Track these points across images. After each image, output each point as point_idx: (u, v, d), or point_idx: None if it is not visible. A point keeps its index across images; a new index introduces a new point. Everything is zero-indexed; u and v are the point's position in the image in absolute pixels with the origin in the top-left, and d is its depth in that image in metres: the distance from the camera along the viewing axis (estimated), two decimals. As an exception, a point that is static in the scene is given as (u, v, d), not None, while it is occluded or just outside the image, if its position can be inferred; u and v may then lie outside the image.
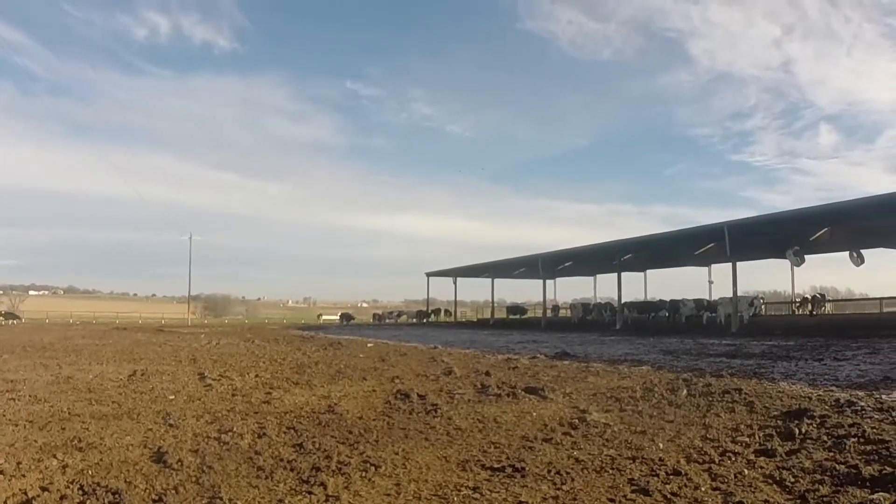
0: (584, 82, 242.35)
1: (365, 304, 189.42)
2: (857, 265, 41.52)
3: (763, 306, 50.14)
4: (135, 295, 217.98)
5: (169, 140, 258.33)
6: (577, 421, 9.43)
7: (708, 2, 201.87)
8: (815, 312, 45.45)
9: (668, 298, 52.97)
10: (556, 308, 71.79)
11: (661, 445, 7.80)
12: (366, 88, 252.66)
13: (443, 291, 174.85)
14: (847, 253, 41.66)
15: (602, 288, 72.82)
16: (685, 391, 12.00)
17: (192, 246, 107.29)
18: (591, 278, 70.80)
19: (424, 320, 78.55)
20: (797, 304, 49.49)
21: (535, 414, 10.20)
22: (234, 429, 8.93)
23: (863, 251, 41.27)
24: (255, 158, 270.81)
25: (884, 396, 10.88)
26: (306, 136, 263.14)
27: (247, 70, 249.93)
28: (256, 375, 16.53)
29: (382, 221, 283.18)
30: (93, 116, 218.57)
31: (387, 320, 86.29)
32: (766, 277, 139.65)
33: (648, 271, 62.98)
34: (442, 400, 11.70)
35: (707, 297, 51.95)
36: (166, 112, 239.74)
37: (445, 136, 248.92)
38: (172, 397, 12.36)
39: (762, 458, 7.12)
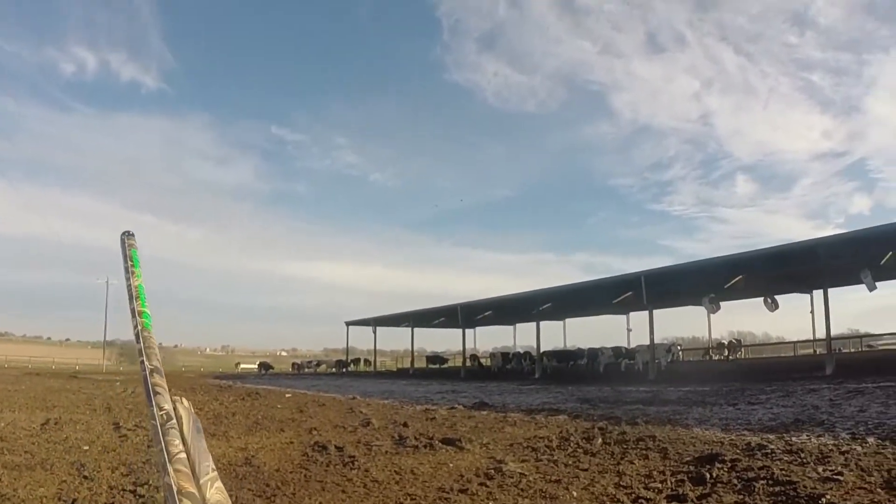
0: (508, 133, 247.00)
1: (284, 353, 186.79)
2: (772, 310, 42.83)
3: (680, 353, 51.28)
4: (48, 339, 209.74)
5: (89, 179, 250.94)
6: (493, 471, 9.48)
7: (631, 56, 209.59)
8: (731, 357, 46.69)
9: (586, 347, 53.67)
10: (475, 357, 72.02)
11: (574, 494, 7.90)
12: (291, 134, 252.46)
13: (362, 340, 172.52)
14: (762, 299, 43.00)
15: (522, 337, 73.23)
16: (600, 439, 12.17)
17: (108, 290, 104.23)
18: (511, 327, 71.39)
19: (344, 370, 77.97)
20: (713, 350, 50.80)
21: (451, 465, 10.22)
22: (150, 481, 8.74)
23: (777, 297, 42.66)
24: (176, 201, 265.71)
25: (794, 438, 11.26)
26: (229, 180, 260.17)
27: (173, 111, 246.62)
28: (173, 426, 16.14)
29: (303, 269, 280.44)
30: (10, 151, 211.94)
31: (306, 369, 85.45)
32: (684, 324, 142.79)
33: (568, 320, 63.82)
34: (359, 451, 11.63)
35: (625, 345, 52.80)
36: (89, 150, 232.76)
37: (369, 184, 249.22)
38: (87, 447, 12.01)
39: (674, 504, 7.28)
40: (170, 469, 0.78)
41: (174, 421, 0.83)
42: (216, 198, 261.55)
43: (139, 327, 1.04)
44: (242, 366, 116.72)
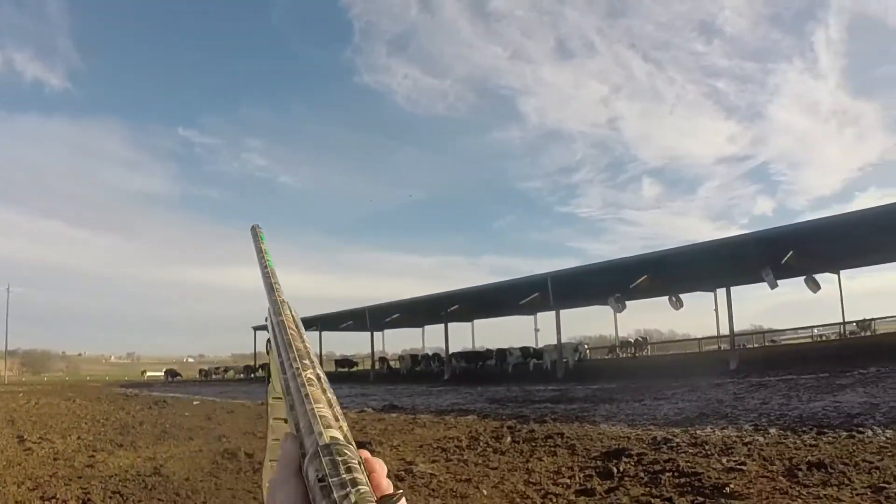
0: (419, 136, 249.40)
1: (191, 360, 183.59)
2: (677, 309, 43.83)
3: (588, 351, 52.02)
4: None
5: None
6: (403, 473, 9.44)
7: (541, 62, 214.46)
8: (637, 355, 47.64)
9: (495, 347, 53.99)
10: (384, 360, 71.77)
11: (485, 492, 7.91)
12: (201, 137, 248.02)
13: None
14: (667, 297, 43.98)
15: (431, 339, 73.30)
16: (509, 438, 12.23)
17: (9, 298, 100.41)
18: (420, 329, 71.36)
19: (252, 375, 76.73)
20: (619, 348, 51.80)
21: None
22: (58, 495, 8.49)
23: (681, 295, 43.69)
24: (83, 207, 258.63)
25: (698, 432, 11.51)
26: (138, 184, 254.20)
27: (79, 113, 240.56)
28: (79, 437, 15.77)
29: (211, 274, 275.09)
30: None
31: (213, 376, 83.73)
32: (592, 323, 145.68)
33: (476, 321, 64.14)
34: None
35: (534, 345, 53.31)
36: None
37: (279, 187, 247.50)
38: (-10, 462, 11.58)
39: (582, 498, 7.35)
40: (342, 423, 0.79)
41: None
42: (124, 202, 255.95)
43: (291, 313, 1.04)
44: (149, 374, 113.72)
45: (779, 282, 33.99)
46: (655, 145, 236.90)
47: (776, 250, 31.05)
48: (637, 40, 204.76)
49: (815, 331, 48.88)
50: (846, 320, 41.81)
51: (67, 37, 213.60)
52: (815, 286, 36.39)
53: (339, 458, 0.75)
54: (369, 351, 67.83)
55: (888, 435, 10.01)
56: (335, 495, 0.70)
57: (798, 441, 10.03)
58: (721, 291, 39.24)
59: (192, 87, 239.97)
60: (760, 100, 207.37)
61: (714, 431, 11.63)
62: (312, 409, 0.85)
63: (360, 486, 0.71)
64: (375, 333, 65.75)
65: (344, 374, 68.73)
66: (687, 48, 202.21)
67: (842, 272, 39.43)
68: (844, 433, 10.42)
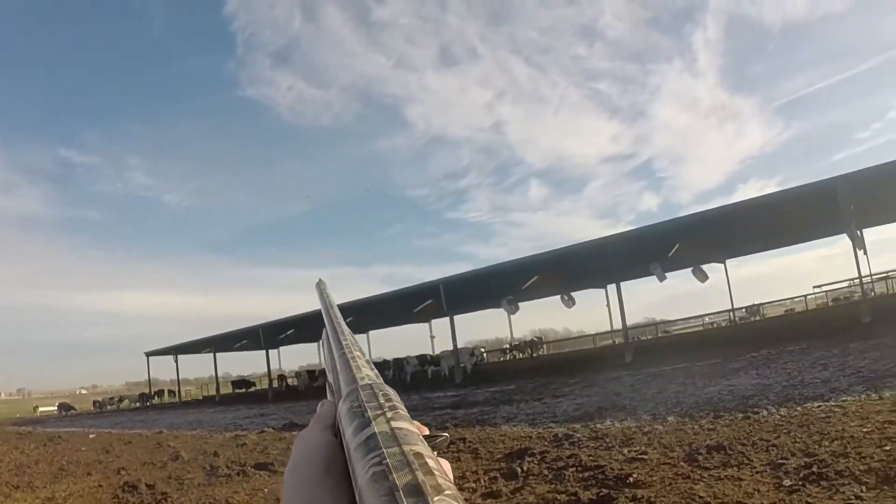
0: (304, 148, 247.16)
1: (84, 391, 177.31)
2: (569, 307, 44.68)
3: (485, 355, 52.49)
4: None
5: None
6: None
7: (425, 70, 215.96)
8: (534, 354, 48.34)
9: (392, 357, 53.95)
10: (282, 378, 70.80)
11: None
12: (80, 156, 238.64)
13: (165, 370, 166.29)
14: (559, 296, 44.75)
15: (327, 353, 72.76)
16: (411, 446, 12.17)
17: None
18: (316, 344, 70.64)
19: (148, 403, 74.72)
20: (515, 349, 52.46)
21: (266, 490, 10.10)
22: None
23: (573, 293, 44.56)
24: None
25: (598, 426, 11.71)
26: (14, 208, 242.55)
27: None
28: (-28, 481, 14.94)
29: (97, 300, 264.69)
30: None
31: (108, 407, 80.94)
32: (487, 326, 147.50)
33: (371, 332, 63.92)
34: (171, 487, 11.24)
35: (430, 352, 53.44)
36: None
37: (163, 206, 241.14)
38: None
39: (489, 501, 7.37)
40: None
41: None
42: (0, 227, 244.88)
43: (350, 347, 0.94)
44: (41, 409, 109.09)
45: (667, 274, 35.10)
46: (541, 147, 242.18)
47: (662, 244, 31.98)
48: (520, 45, 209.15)
49: (707, 319, 50.54)
50: (735, 307, 43.42)
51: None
52: (702, 276, 37.72)
53: (380, 392, 0.71)
54: (265, 370, 66.90)
55: (782, 413, 10.39)
56: (368, 414, 0.66)
57: (696, 426, 10.30)
58: (612, 287, 40.11)
59: (69, 104, 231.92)
60: (642, 100, 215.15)
61: (614, 424, 11.85)
62: (356, 364, 0.84)
63: (398, 410, 0.67)
64: (271, 351, 64.89)
65: (242, 395, 67.59)
66: (569, 52, 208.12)
67: (728, 261, 41.04)
68: (740, 415, 10.76)
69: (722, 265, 40.83)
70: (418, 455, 0.57)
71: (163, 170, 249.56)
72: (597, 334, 53.80)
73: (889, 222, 34.14)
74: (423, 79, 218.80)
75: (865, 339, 19.51)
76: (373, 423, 0.62)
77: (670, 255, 33.38)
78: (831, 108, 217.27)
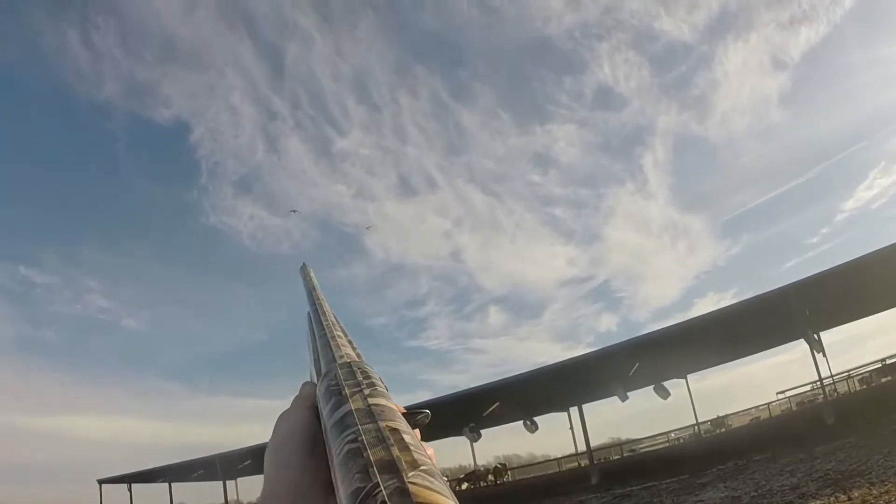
0: (264, 276, 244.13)
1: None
2: (532, 432, 44.85)
3: (448, 484, 52.12)
4: None
5: None
6: None
7: (384, 199, 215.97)
8: (498, 481, 48.27)
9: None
10: (240, 512, 69.03)
11: None
12: (40, 276, 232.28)
13: (119, 501, 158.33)
14: (521, 422, 45.01)
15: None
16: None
17: None
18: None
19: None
20: (476, 479, 51.96)
21: None
22: None
23: (535, 418, 44.89)
24: None
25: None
26: None
27: None
28: None
29: (48, 424, 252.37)
30: None
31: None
32: (449, 455, 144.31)
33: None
34: None
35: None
36: None
37: (120, 330, 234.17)
38: None
39: None
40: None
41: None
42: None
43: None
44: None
45: (629, 393, 35.84)
46: (499, 274, 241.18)
47: (622, 364, 32.82)
48: (476, 174, 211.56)
49: (673, 434, 50.80)
50: (700, 420, 43.91)
51: None
52: (665, 393, 38.34)
53: (358, 370, 0.78)
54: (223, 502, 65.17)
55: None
56: (345, 392, 0.71)
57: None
58: (574, 409, 40.54)
59: (30, 224, 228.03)
60: (596, 222, 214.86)
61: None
62: (336, 344, 0.92)
63: (377, 387, 0.74)
64: (228, 482, 63.60)
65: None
66: (524, 179, 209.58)
67: (689, 376, 41.93)
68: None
69: (683, 380, 41.67)
70: (394, 431, 0.63)
71: (122, 294, 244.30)
72: (562, 457, 53.77)
73: (845, 322, 35.47)
74: (382, 208, 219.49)
75: (830, 441, 20.06)
76: (349, 400, 0.69)
77: (631, 373, 34.22)
78: (779, 218, 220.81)
